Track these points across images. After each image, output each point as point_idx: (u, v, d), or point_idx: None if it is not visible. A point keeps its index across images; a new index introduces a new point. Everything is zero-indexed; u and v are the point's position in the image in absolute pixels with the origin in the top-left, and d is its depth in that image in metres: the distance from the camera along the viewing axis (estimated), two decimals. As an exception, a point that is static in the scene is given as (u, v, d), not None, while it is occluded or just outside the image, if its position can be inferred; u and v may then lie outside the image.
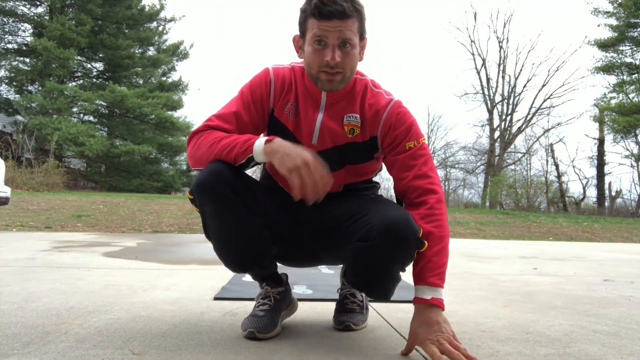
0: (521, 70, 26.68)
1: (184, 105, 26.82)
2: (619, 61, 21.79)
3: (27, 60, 21.03)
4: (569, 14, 47.20)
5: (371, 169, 1.54)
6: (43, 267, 2.88)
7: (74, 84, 21.93)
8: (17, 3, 20.52)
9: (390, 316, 1.80)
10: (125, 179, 20.12)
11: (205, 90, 43.66)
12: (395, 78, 41.32)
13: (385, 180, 13.00)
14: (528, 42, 41.79)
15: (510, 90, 25.57)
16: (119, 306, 1.85)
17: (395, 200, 1.48)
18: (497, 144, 25.45)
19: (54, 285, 2.28)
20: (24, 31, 21.66)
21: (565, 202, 22.44)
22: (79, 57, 21.32)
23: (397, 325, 1.67)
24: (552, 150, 24.66)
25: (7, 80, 21.31)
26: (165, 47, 23.93)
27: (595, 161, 23.02)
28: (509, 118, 25.67)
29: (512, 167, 26.12)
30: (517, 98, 25.62)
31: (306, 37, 1.35)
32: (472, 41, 26.74)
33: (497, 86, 25.63)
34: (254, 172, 1.51)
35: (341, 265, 1.70)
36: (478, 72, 25.72)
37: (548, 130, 25.11)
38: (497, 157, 25.28)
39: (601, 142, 22.65)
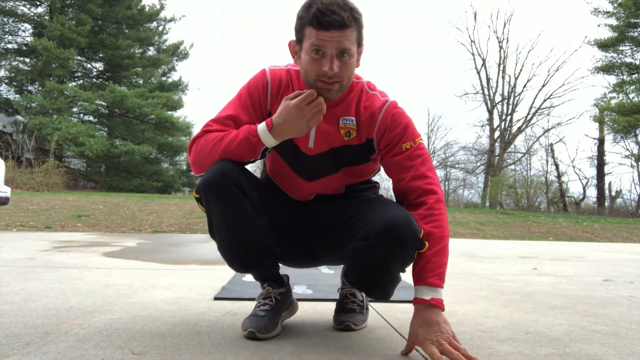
0: (521, 70, 26.77)
1: (184, 105, 26.87)
2: (619, 61, 21.79)
3: (27, 60, 21.04)
4: (569, 14, 47.32)
5: (369, 170, 1.54)
6: (43, 267, 2.88)
7: (74, 84, 21.94)
8: (17, 3, 20.54)
9: (390, 316, 1.80)
10: (125, 179, 20.13)
11: (205, 90, 43.88)
12: (395, 78, 41.42)
13: (385, 180, 12.96)
14: (528, 42, 41.95)
15: (510, 90, 25.62)
16: (118, 306, 1.85)
17: (395, 200, 1.48)
18: (497, 144, 25.46)
19: (53, 285, 2.28)
20: (24, 31, 21.72)
21: (565, 202, 22.44)
22: (79, 57, 21.34)
23: (397, 325, 1.67)
24: (552, 150, 24.70)
25: (7, 80, 21.33)
26: (165, 47, 23.96)
27: (595, 161, 23.05)
28: (509, 118, 25.72)
29: (512, 167, 26.18)
30: (517, 98, 25.69)
31: (303, 45, 1.31)
32: (472, 41, 26.80)
33: (497, 86, 25.70)
34: (254, 172, 1.50)
35: (342, 265, 1.70)
36: (478, 72, 25.78)
37: (548, 130, 25.18)
38: (497, 157, 25.29)
39: (601, 142, 22.66)
